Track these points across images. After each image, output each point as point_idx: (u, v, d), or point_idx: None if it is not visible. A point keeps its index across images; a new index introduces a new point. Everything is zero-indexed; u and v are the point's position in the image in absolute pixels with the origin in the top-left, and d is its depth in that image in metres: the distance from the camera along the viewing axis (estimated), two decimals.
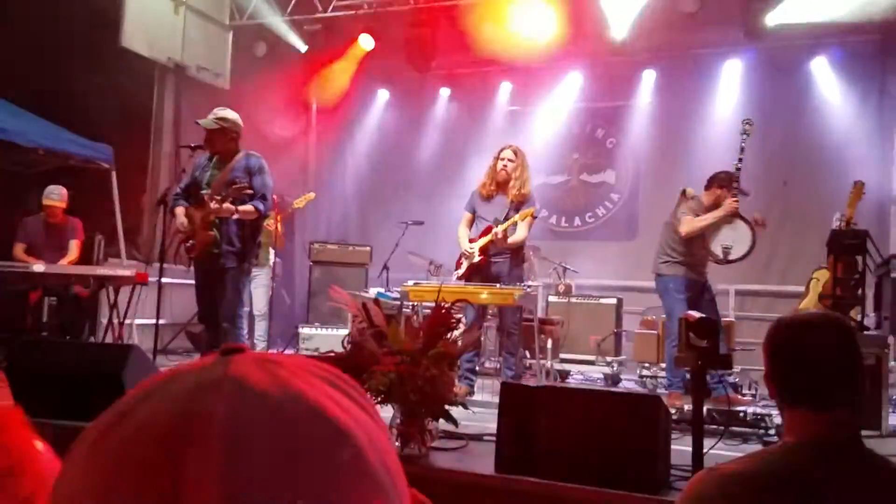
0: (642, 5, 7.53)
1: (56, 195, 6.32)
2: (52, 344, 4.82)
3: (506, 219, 5.47)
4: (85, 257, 6.60)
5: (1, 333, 5.33)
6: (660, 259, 5.71)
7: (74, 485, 0.42)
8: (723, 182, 5.44)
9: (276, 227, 7.67)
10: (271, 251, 7.66)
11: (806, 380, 1.49)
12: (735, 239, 5.37)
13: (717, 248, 5.42)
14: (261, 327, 7.73)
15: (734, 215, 5.34)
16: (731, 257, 5.39)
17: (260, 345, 7.70)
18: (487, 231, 5.55)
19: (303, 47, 8.94)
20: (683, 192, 5.72)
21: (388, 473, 0.45)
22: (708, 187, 5.55)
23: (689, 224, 5.43)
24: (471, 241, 5.65)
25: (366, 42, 8.56)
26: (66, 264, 6.16)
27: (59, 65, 6.03)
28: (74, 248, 6.44)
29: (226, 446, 0.39)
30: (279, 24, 8.79)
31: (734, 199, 5.28)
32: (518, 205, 5.53)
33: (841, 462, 1.40)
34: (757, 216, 5.38)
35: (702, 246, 5.51)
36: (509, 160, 5.59)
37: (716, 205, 5.42)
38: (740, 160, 5.30)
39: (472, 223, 5.76)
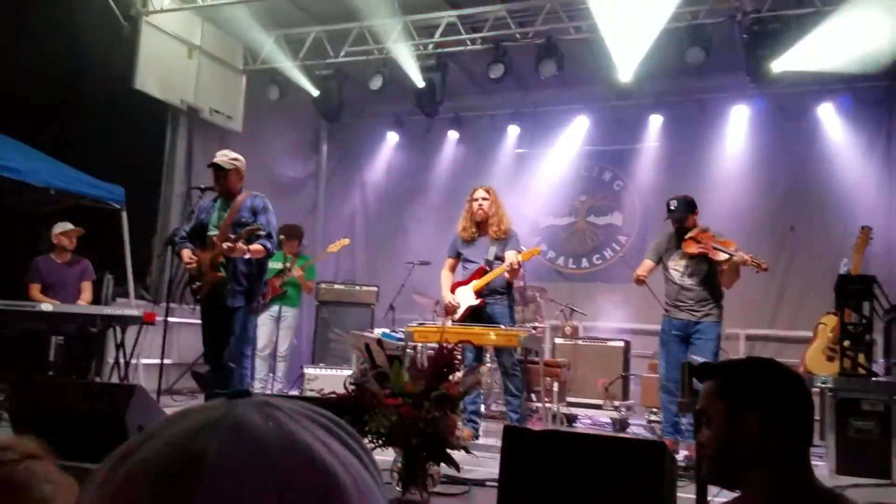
0: (648, 51, 7.59)
1: (61, 227, 6.34)
2: (56, 384, 4.81)
3: (496, 257, 5.49)
4: (94, 296, 6.64)
5: (9, 373, 5.32)
6: None
7: None
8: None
9: (295, 268, 7.47)
10: (303, 294, 7.68)
11: (810, 426, 1.50)
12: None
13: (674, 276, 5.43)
14: (281, 368, 7.61)
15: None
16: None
17: (278, 385, 7.59)
18: (479, 273, 5.54)
19: (314, 92, 9.07)
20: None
21: None
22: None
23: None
24: (459, 284, 5.65)
25: (375, 85, 8.66)
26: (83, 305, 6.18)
27: (72, 106, 6.12)
28: (88, 289, 6.49)
29: (212, 484, 0.41)
30: (291, 69, 8.93)
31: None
32: (501, 242, 5.56)
33: None
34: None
35: (666, 280, 5.50)
36: (483, 199, 5.64)
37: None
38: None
39: (454, 268, 5.79)
